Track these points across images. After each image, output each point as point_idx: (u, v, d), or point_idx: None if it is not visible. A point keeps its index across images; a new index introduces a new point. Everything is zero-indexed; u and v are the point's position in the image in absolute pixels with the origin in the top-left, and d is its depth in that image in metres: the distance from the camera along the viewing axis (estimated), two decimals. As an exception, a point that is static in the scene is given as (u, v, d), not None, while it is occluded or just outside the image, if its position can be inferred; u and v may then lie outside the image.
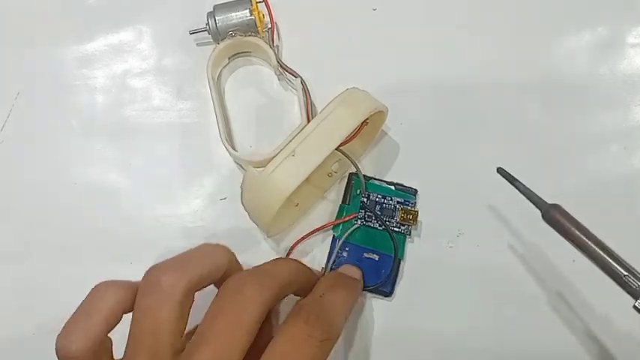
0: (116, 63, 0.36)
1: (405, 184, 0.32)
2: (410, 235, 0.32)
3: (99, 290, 0.23)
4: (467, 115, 0.34)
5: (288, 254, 0.32)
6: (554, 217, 0.25)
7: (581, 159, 0.33)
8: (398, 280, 0.31)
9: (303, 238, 0.32)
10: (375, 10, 0.36)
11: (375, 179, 0.33)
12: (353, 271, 0.30)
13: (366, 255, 0.31)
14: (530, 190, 0.26)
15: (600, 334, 0.31)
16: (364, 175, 0.32)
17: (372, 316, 0.32)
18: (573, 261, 0.32)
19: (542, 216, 0.25)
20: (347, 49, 0.36)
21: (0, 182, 0.35)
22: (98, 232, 0.34)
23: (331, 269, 0.31)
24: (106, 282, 0.24)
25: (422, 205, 0.33)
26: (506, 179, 0.27)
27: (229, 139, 0.33)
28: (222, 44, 0.34)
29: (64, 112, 0.36)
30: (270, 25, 0.35)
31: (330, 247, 0.31)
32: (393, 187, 0.32)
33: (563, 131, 0.34)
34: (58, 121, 0.35)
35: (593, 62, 0.35)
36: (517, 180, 0.26)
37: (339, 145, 0.28)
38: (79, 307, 0.23)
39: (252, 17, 0.33)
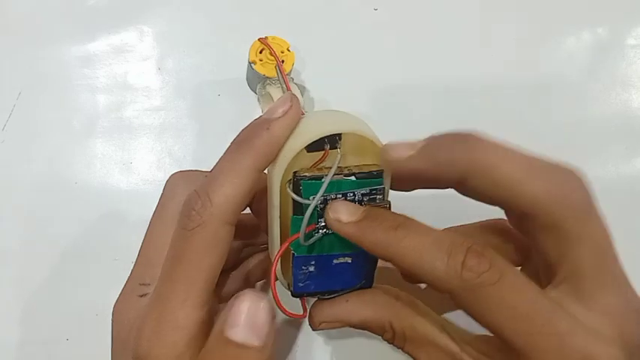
0: (117, 63, 0.37)
1: (365, 170, 0.24)
2: None
3: None
4: (466, 115, 0.34)
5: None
6: None
7: (582, 159, 0.33)
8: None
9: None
10: (376, 10, 0.36)
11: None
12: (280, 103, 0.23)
13: (336, 261, 0.25)
14: None
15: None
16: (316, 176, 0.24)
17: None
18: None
19: None
20: (346, 50, 0.36)
21: (1, 182, 0.35)
22: (98, 232, 0.34)
23: (296, 290, 0.25)
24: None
25: (417, 203, 0.32)
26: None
27: None
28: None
29: (66, 111, 0.36)
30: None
31: (293, 267, 0.24)
32: (353, 178, 0.24)
33: (563, 132, 0.34)
34: (60, 120, 0.36)
35: (592, 63, 0.35)
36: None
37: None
38: None
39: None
